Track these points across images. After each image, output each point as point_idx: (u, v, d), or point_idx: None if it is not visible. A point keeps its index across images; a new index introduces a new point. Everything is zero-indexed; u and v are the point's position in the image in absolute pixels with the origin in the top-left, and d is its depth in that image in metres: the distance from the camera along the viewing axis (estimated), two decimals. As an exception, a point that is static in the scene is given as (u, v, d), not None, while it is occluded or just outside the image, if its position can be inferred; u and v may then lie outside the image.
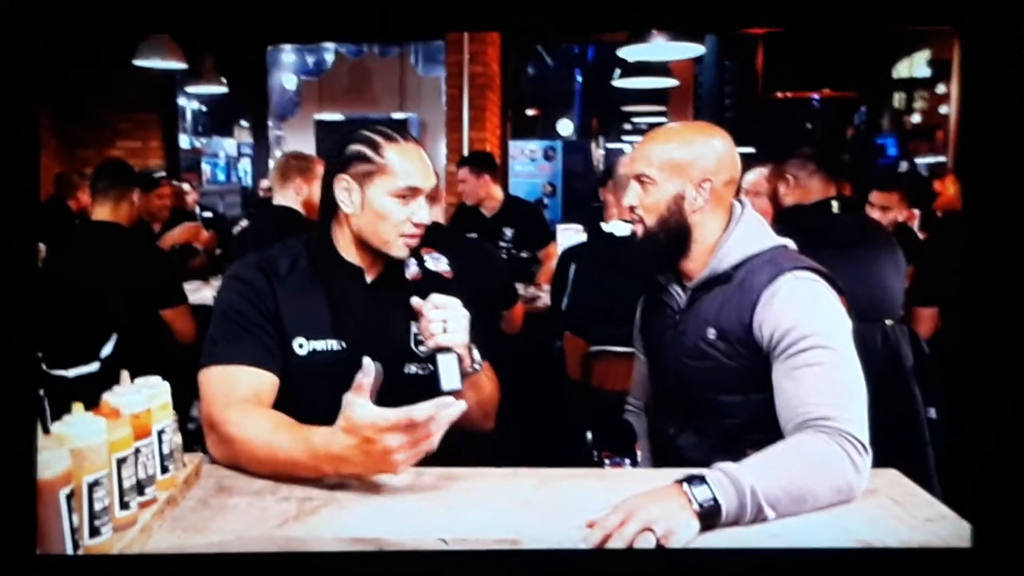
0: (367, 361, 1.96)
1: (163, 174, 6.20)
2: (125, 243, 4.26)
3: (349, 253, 2.32)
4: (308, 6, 1.86)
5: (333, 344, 2.27)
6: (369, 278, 2.33)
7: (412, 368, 2.30)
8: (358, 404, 1.88)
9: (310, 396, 2.20)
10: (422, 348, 2.23)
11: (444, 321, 2.14)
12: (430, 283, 2.21)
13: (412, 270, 2.23)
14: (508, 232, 6.14)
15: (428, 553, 1.68)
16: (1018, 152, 1.60)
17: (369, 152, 2.23)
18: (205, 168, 15.87)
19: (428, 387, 2.13)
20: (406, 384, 2.27)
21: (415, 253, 2.25)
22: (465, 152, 7.84)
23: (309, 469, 1.94)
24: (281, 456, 1.97)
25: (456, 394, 2.13)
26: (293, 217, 4.43)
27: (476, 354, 2.27)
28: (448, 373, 2.13)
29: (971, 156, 1.65)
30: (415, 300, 2.19)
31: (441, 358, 2.13)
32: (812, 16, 2.08)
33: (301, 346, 2.25)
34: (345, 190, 2.26)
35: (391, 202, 2.23)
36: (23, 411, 1.53)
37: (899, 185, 5.62)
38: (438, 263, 2.24)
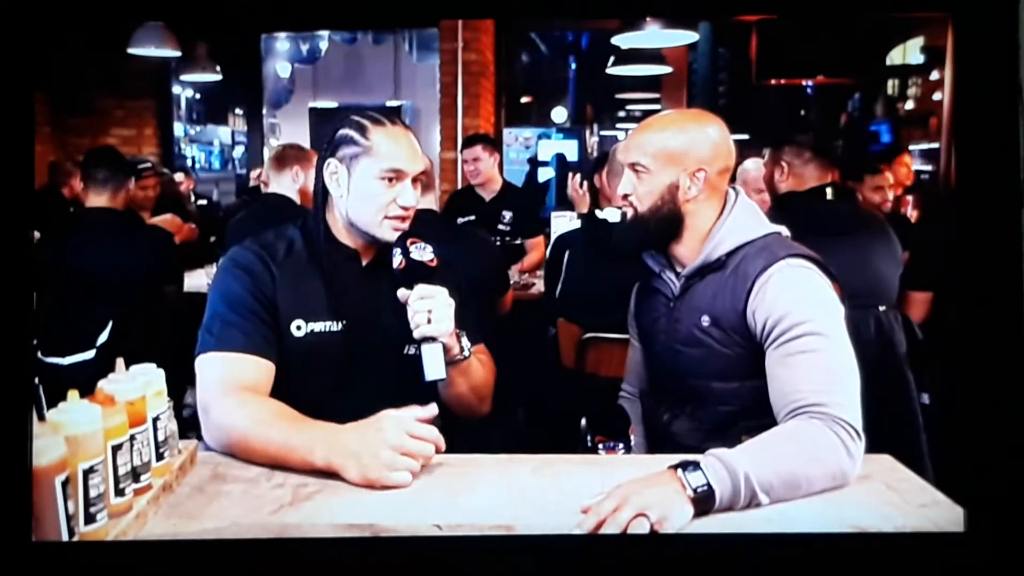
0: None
1: (148, 164, 6.16)
2: (123, 226, 4.27)
3: (344, 236, 2.33)
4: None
5: (331, 325, 2.27)
6: (365, 261, 2.35)
7: (412, 349, 2.30)
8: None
9: (308, 377, 2.22)
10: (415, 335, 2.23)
11: (429, 311, 2.16)
12: (415, 273, 2.21)
13: (397, 260, 2.23)
14: (507, 215, 6.13)
15: (423, 539, 1.69)
16: (1010, 138, 1.61)
17: (356, 135, 2.25)
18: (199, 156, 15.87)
19: None
20: (407, 364, 2.28)
21: (400, 243, 2.25)
22: (459, 140, 7.84)
23: (299, 460, 1.95)
24: (276, 442, 1.98)
25: (442, 382, 2.16)
26: (288, 205, 4.44)
27: (465, 341, 2.28)
28: (432, 363, 2.16)
29: (964, 142, 1.66)
30: (401, 291, 2.21)
31: (425, 348, 2.16)
32: (806, 3, 2.09)
33: (299, 328, 2.25)
34: (333, 173, 2.28)
35: (376, 184, 2.24)
36: (18, 399, 1.53)
37: (885, 160, 5.63)
38: (423, 252, 2.23)
